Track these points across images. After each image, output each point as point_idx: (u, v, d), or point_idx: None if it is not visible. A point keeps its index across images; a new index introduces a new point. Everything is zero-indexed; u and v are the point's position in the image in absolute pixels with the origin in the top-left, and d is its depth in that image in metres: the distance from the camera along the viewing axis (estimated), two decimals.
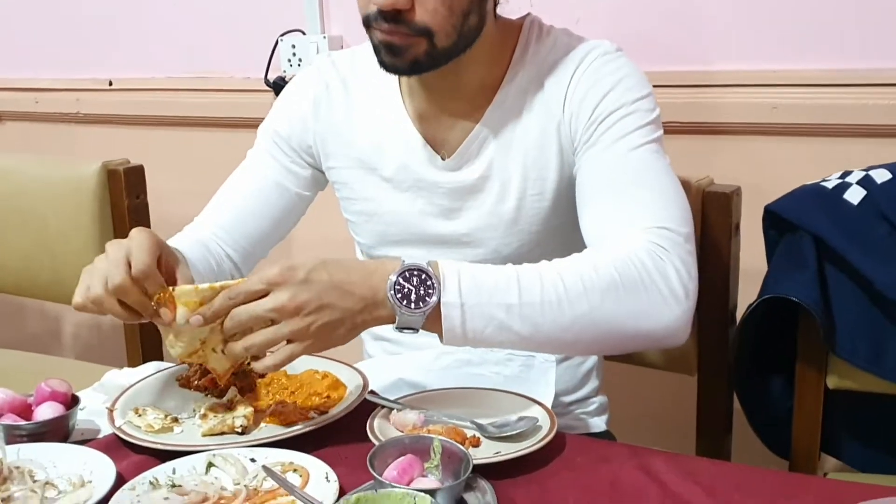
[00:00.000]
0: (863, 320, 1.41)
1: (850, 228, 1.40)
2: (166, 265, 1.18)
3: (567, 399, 1.44)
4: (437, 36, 1.22)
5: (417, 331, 1.10)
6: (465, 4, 1.22)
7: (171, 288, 1.12)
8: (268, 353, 1.09)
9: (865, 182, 1.42)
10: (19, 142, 2.85)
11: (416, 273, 1.09)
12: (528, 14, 1.38)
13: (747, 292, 1.55)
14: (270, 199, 1.48)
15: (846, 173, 1.46)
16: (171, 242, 1.40)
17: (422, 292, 1.08)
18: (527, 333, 1.10)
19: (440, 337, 1.12)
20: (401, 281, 1.08)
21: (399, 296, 1.08)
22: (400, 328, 1.10)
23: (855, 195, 1.41)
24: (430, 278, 1.08)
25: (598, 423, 1.48)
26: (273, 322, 1.07)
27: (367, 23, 1.25)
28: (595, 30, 1.50)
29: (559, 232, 1.37)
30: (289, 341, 1.08)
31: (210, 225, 1.48)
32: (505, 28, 1.36)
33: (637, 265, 1.12)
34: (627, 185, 1.22)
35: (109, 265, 1.13)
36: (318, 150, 1.46)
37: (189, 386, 1.28)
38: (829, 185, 1.45)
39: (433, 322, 1.09)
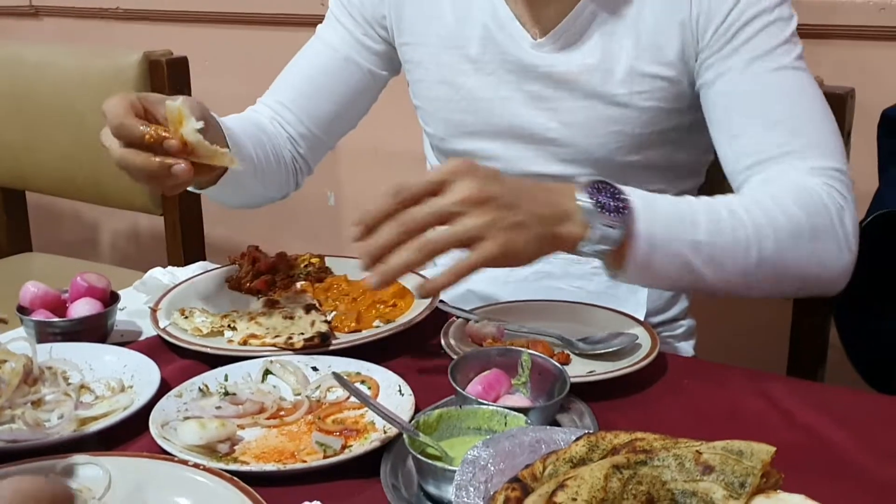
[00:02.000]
0: None
1: None
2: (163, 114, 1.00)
3: (654, 320, 1.30)
4: None
5: (604, 257, 0.94)
6: None
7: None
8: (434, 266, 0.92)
9: None
10: (56, 38, 2.71)
11: (604, 186, 0.94)
12: None
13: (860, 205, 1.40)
14: (340, 75, 1.33)
15: None
16: (223, 119, 1.24)
17: (619, 204, 0.93)
18: (708, 275, 0.97)
19: (608, 268, 0.97)
20: (591, 191, 0.93)
21: (594, 202, 0.92)
22: (587, 250, 0.93)
23: None
24: (621, 192, 0.93)
25: (686, 348, 1.34)
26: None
27: None
28: None
29: (664, 139, 1.21)
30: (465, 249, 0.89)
31: (271, 103, 1.33)
32: None
33: (822, 210, 1.02)
34: (785, 114, 1.08)
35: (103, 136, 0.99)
36: (393, 22, 1.29)
37: (240, 288, 1.16)
38: None
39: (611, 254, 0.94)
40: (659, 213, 0.96)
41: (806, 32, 1.21)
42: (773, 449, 0.67)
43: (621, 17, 1.16)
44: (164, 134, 0.95)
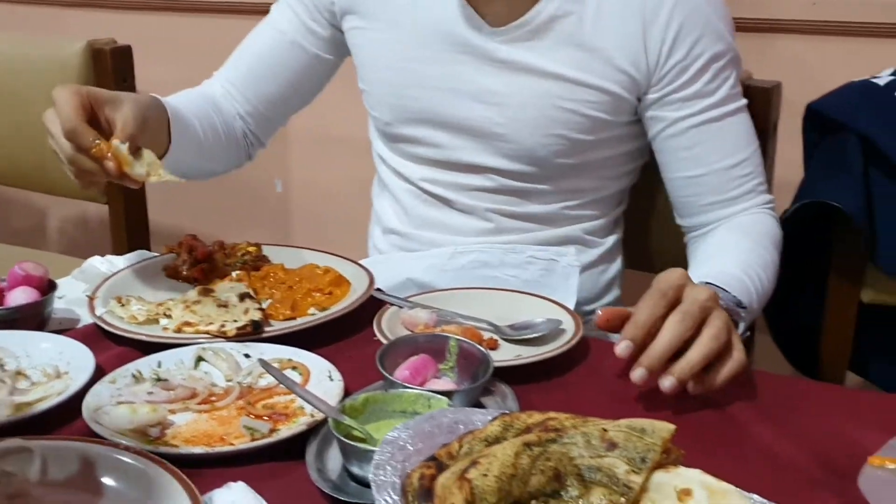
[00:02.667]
0: None
1: None
2: (108, 118, 1.06)
3: (588, 308, 1.34)
4: None
5: None
6: None
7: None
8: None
9: None
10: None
11: (724, 293, 1.05)
12: None
13: (779, 201, 1.45)
14: (286, 59, 1.36)
15: None
16: (175, 95, 1.32)
17: (741, 311, 1.06)
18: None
19: None
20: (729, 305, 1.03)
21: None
22: None
23: None
24: (738, 299, 1.07)
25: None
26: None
27: None
28: None
29: (603, 144, 1.26)
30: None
31: (223, 80, 1.38)
32: None
33: (779, 242, 1.25)
34: (740, 157, 1.23)
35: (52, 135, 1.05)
36: (343, 6, 1.32)
37: (178, 276, 1.18)
38: (881, 81, 1.33)
39: None
40: (754, 302, 1.11)
41: (737, 26, 1.26)
42: (674, 427, 0.71)
43: (580, 29, 1.19)
44: (106, 152, 1.01)
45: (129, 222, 1.91)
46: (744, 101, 1.24)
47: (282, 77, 1.38)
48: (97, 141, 1.02)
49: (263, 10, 1.40)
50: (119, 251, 1.88)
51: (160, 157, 1.14)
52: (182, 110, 1.25)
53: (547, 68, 1.21)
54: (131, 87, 1.84)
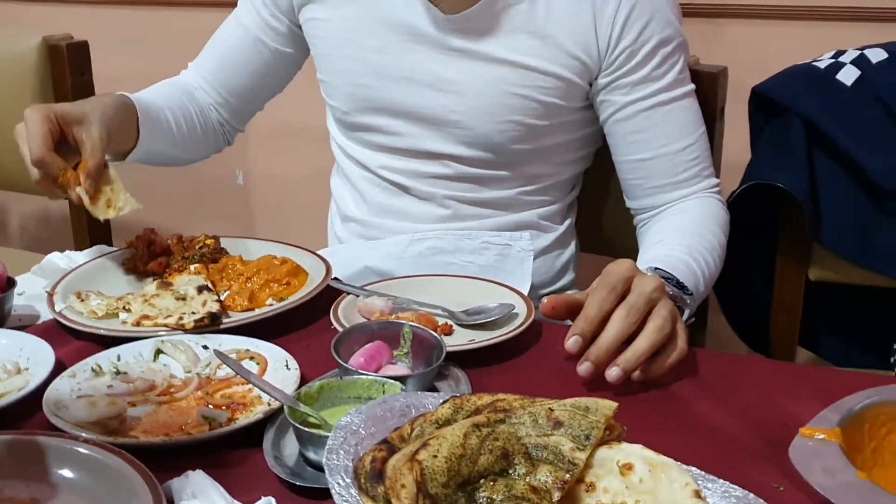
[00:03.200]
0: (851, 209, 1.35)
1: (842, 111, 1.33)
2: (77, 138, 1.13)
3: (544, 291, 1.37)
4: None
5: None
6: None
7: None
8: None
9: (860, 62, 1.34)
10: None
11: (670, 278, 1.08)
12: None
13: (727, 183, 1.48)
14: (250, 54, 1.41)
15: (839, 53, 1.38)
16: (151, 88, 1.39)
17: (687, 297, 1.09)
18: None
19: None
20: (673, 291, 1.06)
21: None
22: None
23: (848, 76, 1.33)
24: (684, 285, 1.09)
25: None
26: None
27: None
28: None
29: (558, 130, 1.29)
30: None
31: (196, 72, 1.44)
32: None
33: (726, 225, 1.29)
34: (687, 141, 1.26)
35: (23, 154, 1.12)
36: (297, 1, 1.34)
37: (137, 270, 1.19)
38: (822, 65, 1.37)
39: None
40: (701, 285, 1.14)
41: (685, 11, 1.29)
42: (616, 405, 0.74)
43: (532, 16, 1.22)
44: (72, 182, 1.10)
45: (90, 217, 1.90)
46: (691, 87, 1.28)
47: (248, 71, 1.42)
48: (64, 169, 1.10)
49: (219, 3, 1.42)
50: (81, 246, 1.89)
51: (128, 151, 1.24)
52: (153, 105, 1.30)
53: (500, 56, 1.23)
54: (88, 82, 1.84)
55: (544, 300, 1.00)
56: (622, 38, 1.21)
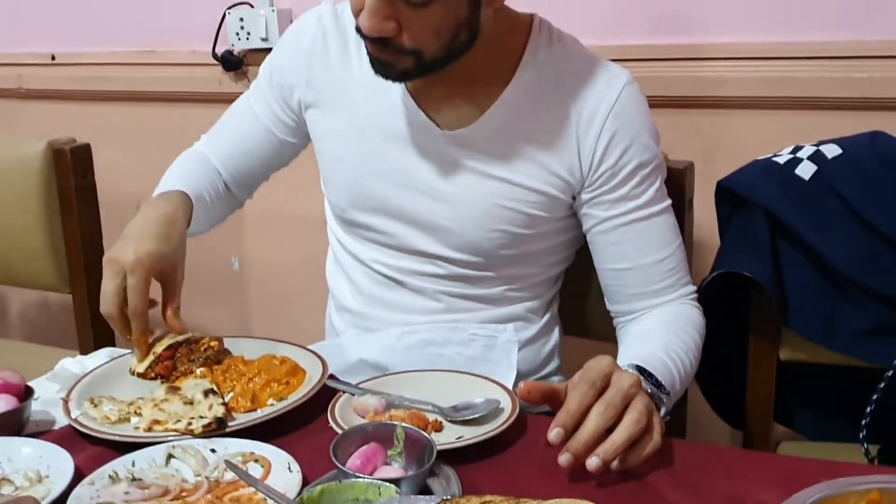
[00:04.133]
0: (814, 294, 1.43)
1: (801, 203, 1.42)
2: (163, 275, 1.29)
3: (531, 379, 1.45)
4: (425, 54, 1.21)
5: None
6: (453, 26, 1.20)
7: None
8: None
9: (816, 157, 1.44)
10: None
11: (649, 375, 1.16)
12: (535, 15, 1.35)
13: (703, 264, 1.57)
14: (260, 143, 1.51)
15: (797, 148, 1.48)
16: (190, 169, 1.49)
17: (664, 396, 1.17)
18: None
19: None
20: (651, 388, 1.14)
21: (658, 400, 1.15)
22: None
23: (806, 170, 1.43)
24: (661, 383, 1.17)
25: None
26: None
27: (357, 30, 1.23)
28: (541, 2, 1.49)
29: (543, 236, 1.38)
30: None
31: (208, 149, 1.54)
32: (511, 22, 1.33)
33: (702, 329, 1.37)
34: (665, 253, 1.35)
35: (105, 294, 1.24)
36: (305, 99, 1.43)
37: (144, 375, 1.26)
38: (781, 160, 1.46)
39: None
40: (677, 384, 1.22)
41: (650, 103, 1.38)
42: None
43: (522, 138, 1.32)
44: (140, 342, 1.27)
45: (93, 309, 1.98)
46: (667, 202, 1.37)
47: (257, 157, 1.53)
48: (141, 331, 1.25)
49: (216, 99, 1.52)
50: (83, 338, 1.98)
51: None
52: (200, 195, 1.43)
53: (491, 172, 1.33)
54: (91, 183, 1.93)
55: (521, 384, 1.08)
56: (603, 161, 1.30)
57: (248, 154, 1.52)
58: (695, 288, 1.40)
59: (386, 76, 1.26)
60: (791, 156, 1.46)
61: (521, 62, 1.31)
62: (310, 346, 1.34)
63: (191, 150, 1.56)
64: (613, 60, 1.37)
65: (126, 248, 1.25)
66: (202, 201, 1.43)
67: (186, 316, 1.35)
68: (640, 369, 1.15)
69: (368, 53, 1.26)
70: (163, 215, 1.31)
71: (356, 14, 1.20)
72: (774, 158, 1.47)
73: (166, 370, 1.25)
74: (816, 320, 1.44)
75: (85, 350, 1.63)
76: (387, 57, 1.22)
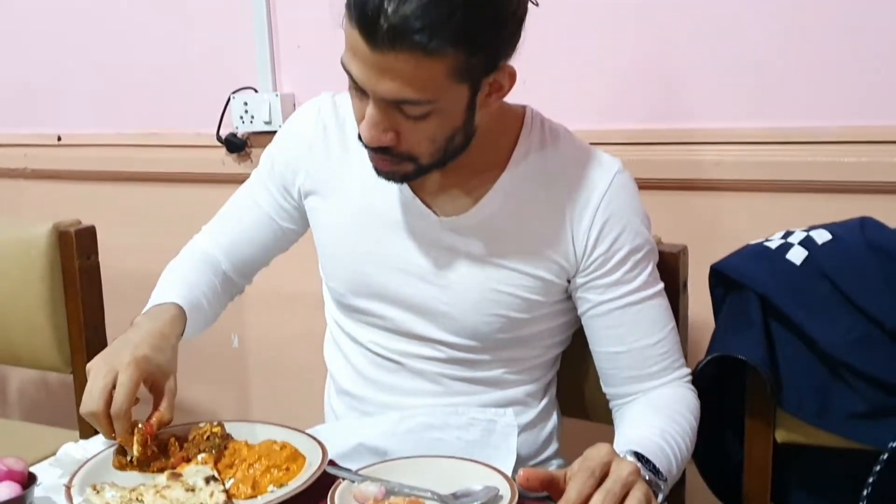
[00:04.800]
0: (808, 376, 1.45)
1: (793, 287, 1.44)
2: (154, 384, 1.29)
3: (530, 463, 1.47)
4: (422, 159, 1.26)
5: None
6: (448, 132, 1.25)
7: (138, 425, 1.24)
8: None
9: (807, 243, 1.47)
10: None
11: (646, 461, 1.18)
12: (527, 107, 1.40)
13: (699, 345, 1.59)
14: (263, 231, 1.54)
15: (788, 233, 1.51)
16: (189, 273, 1.50)
17: (661, 482, 1.19)
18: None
19: None
20: (649, 475, 1.16)
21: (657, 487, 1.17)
22: None
23: (797, 255, 1.46)
24: (658, 470, 1.19)
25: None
26: None
27: (359, 137, 1.27)
28: (539, 89, 1.53)
29: (539, 319, 1.41)
30: None
31: (211, 243, 1.56)
32: (504, 116, 1.37)
33: (696, 410, 1.39)
34: (657, 337, 1.38)
35: (91, 391, 1.23)
36: (305, 187, 1.47)
37: (138, 467, 1.27)
38: (773, 244, 1.49)
39: None
40: (674, 468, 1.24)
41: (644, 185, 1.42)
42: None
43: (517, 226, 1.36)
44: (128, 442, 1.25)
45: None
46: (660, 286, 1.40)
47: (260, 245, 1.56)
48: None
49: (219, 179, 1.55)
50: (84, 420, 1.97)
51: None
52: (196, 302, 1.43)
53: (487, 258, 1.36)
54: (95, 265, 1.95)
55: (520, 472, 1.09)
56: (596, 247, 1.34)
57: (251, 242, 1.55)
58: (689, 370, 1.42)
59: (388, 180, 1.31)
60: (782, 241, 1.49)
61: (514, 153, 1.36)
62: (309, 430, 1.35)
63: (191, 247, 1.58)
64: (609, 144, 1.42)
65: (122, 351, 1.27)
66: (199, 310, 1.44)
67: (186, 393, 1.36)
68: (639, 455, 1.17)
69: (370, 159, 1.30)
70: (157, 330, 1.33)
71: (357, 123, 1.25)
72: (766, 243, 1.51)
73: (153, 455, 1.25)
74: (810, 402, 1.45)
75: (84, 430, 1.64)
76: (387, 166, 1.27)
